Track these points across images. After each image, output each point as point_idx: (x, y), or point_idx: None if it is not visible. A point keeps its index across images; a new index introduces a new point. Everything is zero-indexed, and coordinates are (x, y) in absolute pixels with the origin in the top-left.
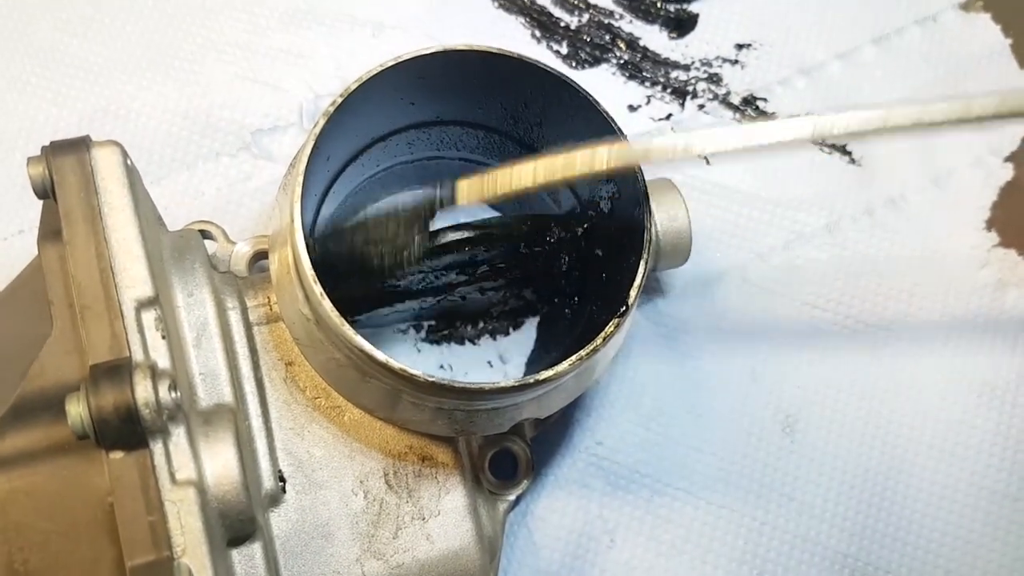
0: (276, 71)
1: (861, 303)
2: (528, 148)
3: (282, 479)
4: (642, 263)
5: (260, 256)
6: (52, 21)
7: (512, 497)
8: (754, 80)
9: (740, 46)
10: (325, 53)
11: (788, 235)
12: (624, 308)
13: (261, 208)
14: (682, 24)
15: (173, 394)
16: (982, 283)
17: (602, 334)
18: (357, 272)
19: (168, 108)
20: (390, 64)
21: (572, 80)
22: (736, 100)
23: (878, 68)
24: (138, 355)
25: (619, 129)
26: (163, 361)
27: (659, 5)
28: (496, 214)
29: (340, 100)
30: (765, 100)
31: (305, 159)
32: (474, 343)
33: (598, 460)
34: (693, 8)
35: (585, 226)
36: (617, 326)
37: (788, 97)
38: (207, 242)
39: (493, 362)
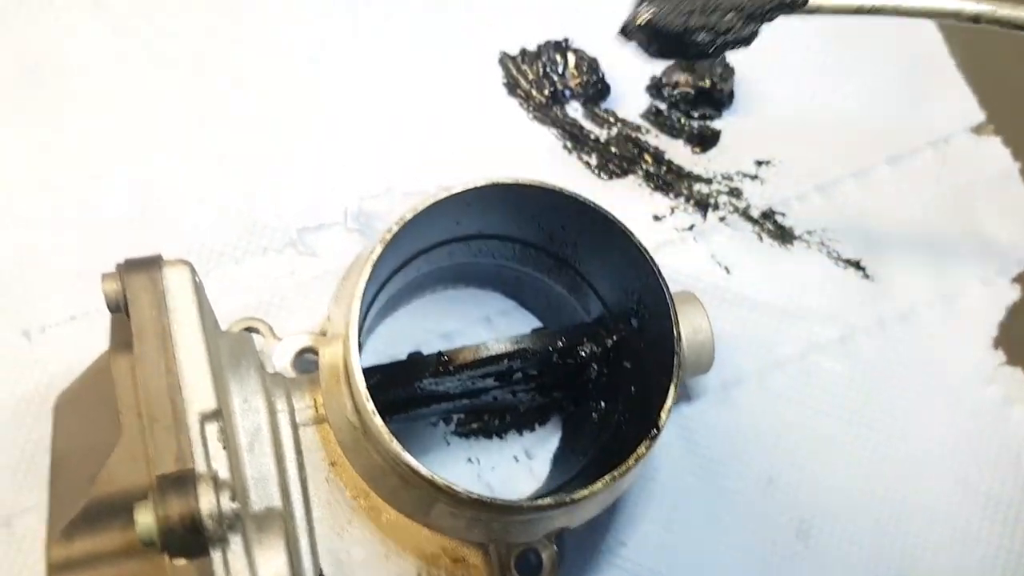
0: (322, 172)
1: (872, 412)
2: (561, 262)
3: None
4: (672, 387)
5: (305, 351)
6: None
7: None
8: (773, 195)
9: (759, 162)
10: (370, 157)
11: (804, 345)
12: (655, 431)
13: (304, 302)
14: (705, 140)
15: (233, 504)
16: (989, 399)
17: (634, 455)
18: None
19: (219, 204)
20: (443, 196)
21: (609, 213)
22: (755, 213)
23: (891, 186)
24: (201, 466)
25: (650, 257)
26: (223, 471)
27: (683, 121)
28: (538, 323)
29: (396, 228)
30: (783, 215)
31: (362, 285)
32: (501, 437)
33: (621, 562)
34: (716, 125)
35: (614, 338)
36: (648, 447)
37: (805, 212)
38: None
39: (519, 457)
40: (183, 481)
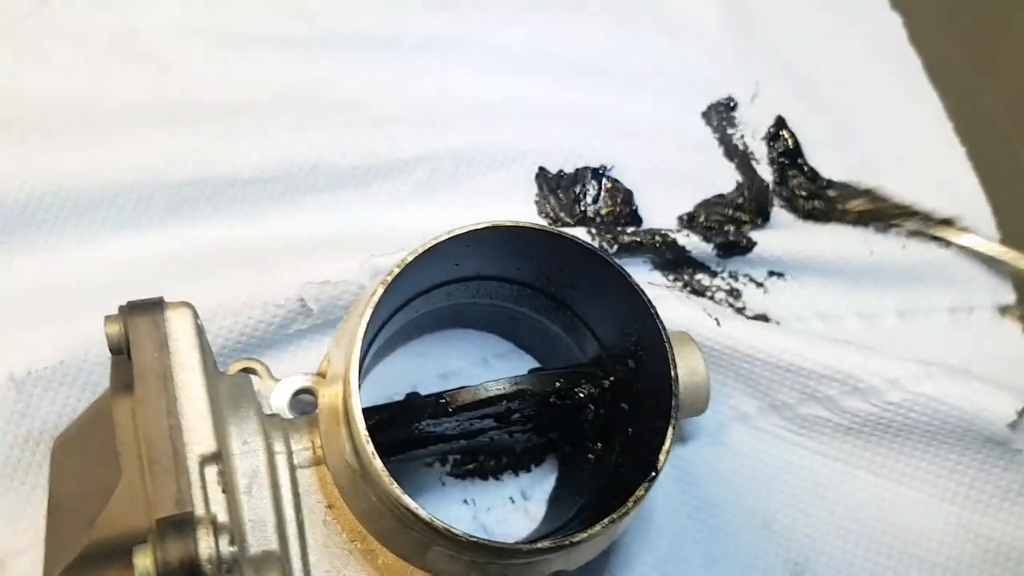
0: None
1: (872, 456)
2: (558, 303)
3: None
4: (670, 428)
5: (302, 392)
6: None
7: None
8: (772, 306)
9: (772, 273)
10: (386, 224)
11: (800, 395)
12: (654, 474)
13: (299, 345)
14: (737, 250)
15: (232, 548)
16: (998, 453)
17: (633, 498)
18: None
19: (219, 253)
20: (444, 238)
21: (610, 257)
22: (750, 315)
23: (896, 338)
24: (200, 510)
25: (649, 301)
26: (222, 515)
27: (723, 228)
28: (535, 364)
29: (398, 270)
30: (778, 324)
31: (363, 325)
32: (497, 478)
33: None
34: (754, 235)
35: (612, 379)
36: (647, 490)
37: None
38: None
39: (515, 498)
40: (182, 525)
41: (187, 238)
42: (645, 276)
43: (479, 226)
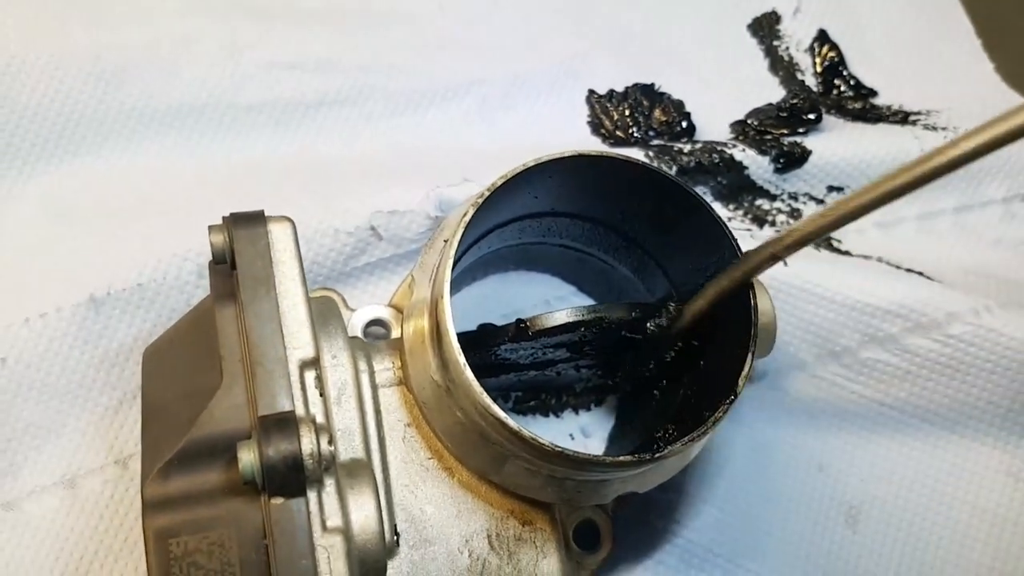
0: (401, 159)
1: (927, 404)
2: (630, 241)
3: (396, 533)
4: (749, 355)
5: (374, 323)
6: None
7: (594, 566)
8: None
9: (832, 188)
10: (451, 153)
11: (861, 338)
12: (733, 396)
13: (369, 279)
14: (793, 160)
15: (331, 447)
16: None
17: (712, 418)
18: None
19: (287, 176)
20: (532, 164)
21: (691, 188)
22: None
23: (951, 236)
24: (300, 410)
25: (730, 232)
26: (320, 417)
27: (775, 138)
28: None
29: (488, 194)
30: (840, 241)
31: (455, 244)
32: (557, 416)
33: (674, 538)
34: (808, 143)
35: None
36: (726, 411)
37: (860, 243)
38: None
39: (575, 435)
40: (285, 422)
41: (255, 159)
42: None
43: (568, 153)
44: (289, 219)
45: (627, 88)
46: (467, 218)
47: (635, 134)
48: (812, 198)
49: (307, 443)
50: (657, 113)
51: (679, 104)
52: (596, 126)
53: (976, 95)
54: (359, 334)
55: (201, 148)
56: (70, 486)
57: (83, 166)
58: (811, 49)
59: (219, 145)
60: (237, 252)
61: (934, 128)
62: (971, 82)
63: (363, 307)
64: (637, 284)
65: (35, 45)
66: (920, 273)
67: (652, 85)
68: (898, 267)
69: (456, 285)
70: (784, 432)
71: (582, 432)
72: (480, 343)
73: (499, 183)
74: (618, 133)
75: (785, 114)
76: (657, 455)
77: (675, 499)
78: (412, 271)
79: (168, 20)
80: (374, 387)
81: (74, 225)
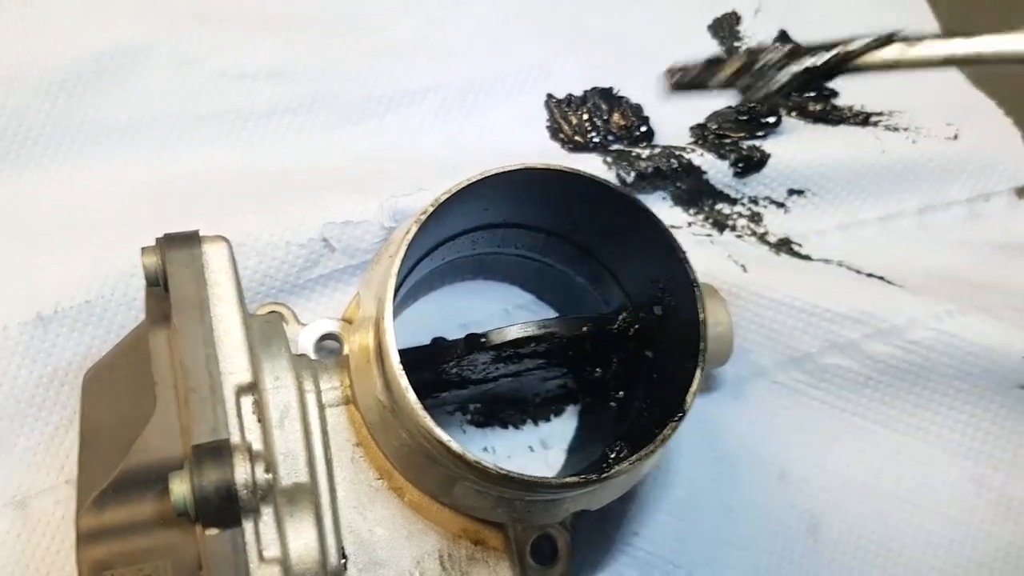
0: (355, 170)
1: (888, 410)
2: (583, 251)
3: (344, 556)
4: (698, 371)
5: (326, 337)
6: None
7: None
8: (793, 226)
9: (792, 191)
10: (404, 163)
11: (822, 344)
12: (681, 414)
13: (324, 291)
14: (752, 164)
15: (267, 475)
16: (1014, 398)
17: (660, 436)
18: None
19: (237, 188)
20: (477, 178)
21: (638, 199)
22: (772, 240)
23: (914, 238)
24: (235, 437)
25: (678, 244)
26: (257, 444)
27: (734, 141)
28: (556, 315)
29: (431, 209)
30: (800, 245)
31: (398, 262)
32: (517, 427)
33: (633, 551)
34: (767, 146)
35: (636, 326)
36: (674, 429)
37: (821, 247)
38: None
39: (535, 447)
40: (219, 451)
41: (207, 171)
42: (667, 213)
43: (512, 167)
44: (225, 239)
45: (586, 92)
46: (410, 235)
47: (594, 139)
48: (772, 201)
49: (241, 472)
50: (616, 117)
51: (637, 108)
52: (555, 131)
53: (939, 95)
54: (310, 349)
55: (151, 161)
56: (21, 507)
57: (31, 181)
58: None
59: (169, 157)
60: (170, 275)
61: (896, 129)
62: (934, 81)
63: (314, 321)
64: (594, 295)
65: None
66: (881, 278)
67: (611, 89)
68: (859, 272)
69: (412, 296)
70: (744, 440)
71: (542, 444)
72: (432, 359)
73: (442, 198)
74: (577, 138)
75: (744, 117)
76: (603, 476)
77: (633, 510)
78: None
79: (118, 30)
80: (321, 407)
81: (20, 241)
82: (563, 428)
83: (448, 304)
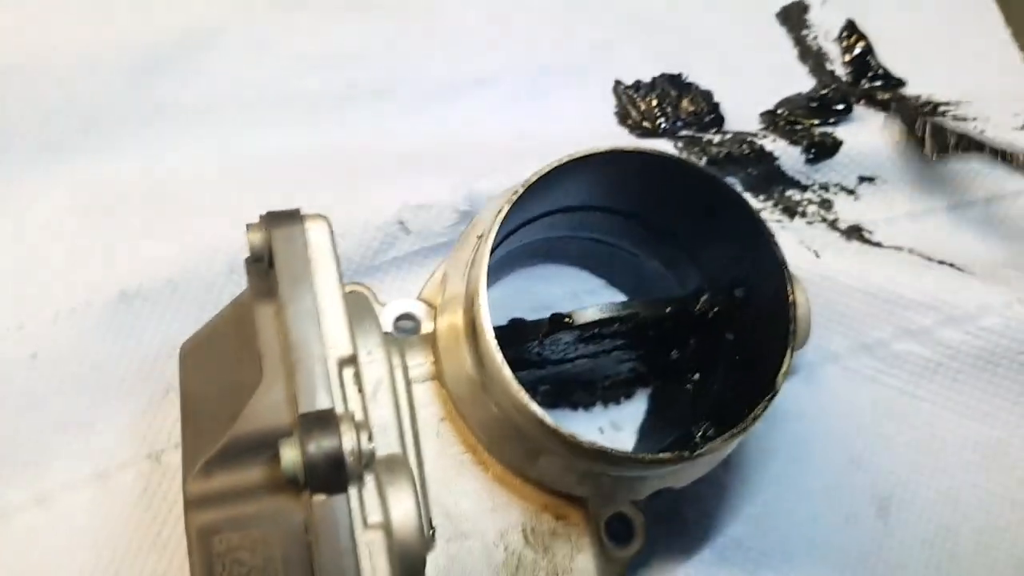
0: (428, 154)
1: (960, 397)
2: (662, 234)
3: (432, 527)
4: (788, 351)
5: (403, 317)
6: None
7: (627, 560)
8: (864, 213)
9: (863, 178)
10: (478, 146)
11: (894, 330)
12: (772, 393)
13: (397, 273)
14: (824, 150)
15: (371, 444)
16: None
17: (752, 415)
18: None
19: (315, 166)
20: (566, 160)
21: (727, 183)
22: (842, 226)
23: (982, 227)
24: (340, 407)
25: (767, 228)
26: (359, 413)
27: (806, 128)
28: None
29: (522, 190)
30: (871, 232)
31: (490, 242)
32: (587, 409)
33: (705, 531)
34: (839, 133)
35: (716, 309)
36: (765, 408)
37: (891, 234)
38: None
39: (605, 429)
40: (326, 420)
41: (283, 153)
42: None
43: (600, 149)
44: (324, 217)
45: (654, 78)
46: (502, 215)
47: (663, 125)
48: (843, 188)
49: (348, 440)
50: (685, 103)
51: (707, 94)
52: (623, 117)
53: (1006, 84)
54: (390, 328)
55: (228, 142)
56: (103, 480)
57: (112, 160)
58: (839, 38)
59: (245, 140)
60: (275, 251)
61: (964, 119)
62: (1000, 71)
63: (393, 301)
64: (669, 278)
65: (64, 38)
66: (952, 265)
67: (680, 75)
68: (929, 259)
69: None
70: (816, 424)
71: (612, 426)
72: (513, 338)
73: (533, 179)
74: (645, 124)
75: (815, 104)
76: (696, 453)
77: (707, 492)
78: (444, 266)
79: (194, 14)
80: (408, 382)
81: (103, 219)
82: (634, 411)
83: (520, 287)
